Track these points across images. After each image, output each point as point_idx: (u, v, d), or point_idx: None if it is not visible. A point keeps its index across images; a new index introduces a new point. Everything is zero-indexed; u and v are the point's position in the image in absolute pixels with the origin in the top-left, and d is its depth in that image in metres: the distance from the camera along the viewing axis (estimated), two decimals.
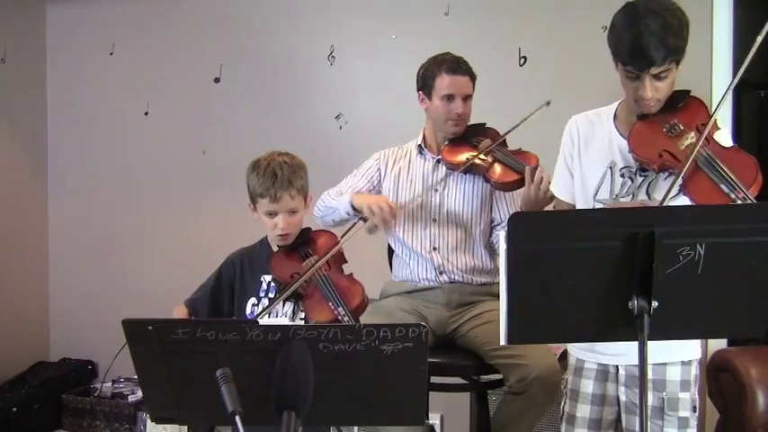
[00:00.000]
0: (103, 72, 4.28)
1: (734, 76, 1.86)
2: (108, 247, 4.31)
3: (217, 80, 4.06)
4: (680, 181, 1.86)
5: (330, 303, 2.21)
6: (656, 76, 1.90)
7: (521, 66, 3.49)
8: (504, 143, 2.66)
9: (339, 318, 2.18)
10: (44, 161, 4.45)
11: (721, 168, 1.85)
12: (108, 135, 4.30)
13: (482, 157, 2.59)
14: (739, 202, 1.79)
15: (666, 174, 1.96)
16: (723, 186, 1.83)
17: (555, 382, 2.36)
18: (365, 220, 2.52)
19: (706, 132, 1.87)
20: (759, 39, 1.79)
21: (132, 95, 4.22)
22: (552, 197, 2.31)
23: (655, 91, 1.92)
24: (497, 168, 2.57)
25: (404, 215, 2.71)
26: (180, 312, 2.36)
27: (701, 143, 1.86)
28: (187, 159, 4.12)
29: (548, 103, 2.59)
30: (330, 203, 2.68)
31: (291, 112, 3.91)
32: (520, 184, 2.46)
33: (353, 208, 2.59)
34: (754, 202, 1.79)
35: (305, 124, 3.87)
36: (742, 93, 3.75)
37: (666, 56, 1.86)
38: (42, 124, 4.43)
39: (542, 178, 2.36)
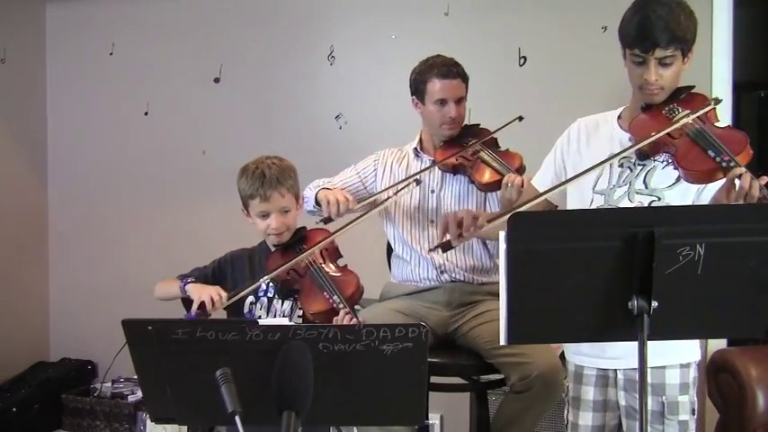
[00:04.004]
0: (103, 72, 4.27)
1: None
2: (108, 247, 4.31)
3: (217, 80, 4.06)
4: (666, 153, 1.94)
5: (325, 293, 2.26)
6: (661, 62, 1.93)
7: (521, 66, 3.49)
8: (494, 143, 2.66)
9: (335, 306, 2.21)
10: (44, 161, 4.44)
11: (710, 137, 1.89)
12: (108, 135, 4.29)
13: (468, 157, 2.59)
14: (724, 165, 1.83)
15: (664, 163, 1.99)
16: (710, 151, 1.87)
17: (557, 380, 2.36)
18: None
19: (701, 112, 1.93)
20: None
21: (132, 95, 4.21)
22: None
23: (659, 77, 1.94)
24: (481, 170, 2.57)
25: (402, 215, 2.72)
26: (169, 282, 2.39)
27: (692, 117, 1.92)
28: (187, 159, 4.12)
29: (520, 119, 2.63)
30: (307, 193, 2.69)
31: (291, 112, 3.91)
32: (500, 185, 2.46)
33: (316, 201, 2.61)
34: (740, 164, 1.82)
35: (305, 124, 3.86)
36: (742, 93, 3.75)
37: (671, 39, 1.89)
38: (42, 124, 4.43)
39: (512, 183, 2.38)
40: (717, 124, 1.99)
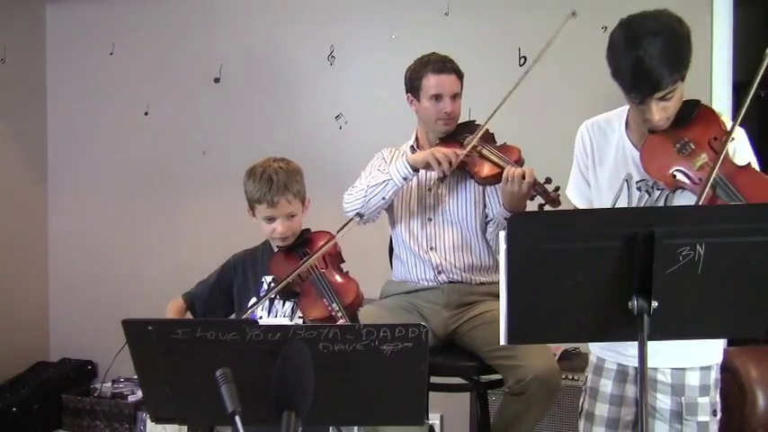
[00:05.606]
0: (103, 72, 4.28)
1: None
2: (108, 247, 4.31)
3: (217, 80, 4.06)
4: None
5: (325, 300, 2.24)
6: (662, 98, 1.85)
7: (521, 66, 3.48)
8: (491, 139, 2.65)
9: (333, 314, 2.21)
10: (44, 161, 4.44)
11: (734, 192, 1.83)
12: (108, 135, 4.30)
13: (467, 152, 2.59)
14: None
15: (682, 189, 1.93)
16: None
17: (553, 383, 2.36)
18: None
19: (722, 156, 1.83)
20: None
21: (132, 95, 4.22)
22: (529, 188, 2.36)
23: (662, 111, 1.87)
24: (480, 164, 2.56)
25: (400, 213, 2.71)
26: (176, 305, 2.39)
27: (716, 170, 1.81)
28: (187, 159, 4.12)
29: (573, 14, 2.50)
30: (375, 182, 2.60)
31: (291, 112, 3.91)
32: (499, 178, 2.46)
33: (412, 168, 2.55)
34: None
35: (305, 124, 3.87)
36: (742, 93, 3.75)
37: (670, 78, 1.80)
38: (42, 124, 4.43)
39: (512, 177, 2.37)
40: (734, 153, 1.91)
